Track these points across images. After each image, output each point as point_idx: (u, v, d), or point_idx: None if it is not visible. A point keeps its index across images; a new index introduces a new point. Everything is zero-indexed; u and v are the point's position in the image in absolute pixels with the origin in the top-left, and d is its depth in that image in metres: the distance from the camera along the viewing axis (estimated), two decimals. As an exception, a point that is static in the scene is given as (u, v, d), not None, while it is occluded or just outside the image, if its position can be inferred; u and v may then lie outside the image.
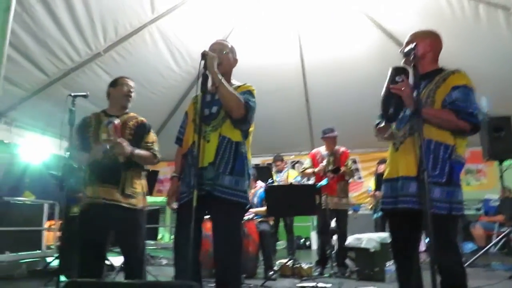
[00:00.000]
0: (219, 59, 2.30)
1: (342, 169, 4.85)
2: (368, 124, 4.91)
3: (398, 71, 2.25)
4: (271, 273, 4.35)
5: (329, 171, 4.84)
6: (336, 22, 5.88)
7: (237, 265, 2.23)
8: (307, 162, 5.30)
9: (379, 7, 5.60)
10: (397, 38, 5.91)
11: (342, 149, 5.19)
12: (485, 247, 5.72)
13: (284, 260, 4.71)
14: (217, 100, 2.31)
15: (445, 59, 2.49)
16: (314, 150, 5.37)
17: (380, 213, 6.51)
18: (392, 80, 2.22)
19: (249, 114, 2.28)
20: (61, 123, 2.94)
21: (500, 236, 5.67)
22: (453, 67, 2.27)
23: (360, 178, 8.02)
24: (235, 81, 2.46)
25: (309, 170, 5.11)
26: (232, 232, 2.23)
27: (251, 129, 2.40)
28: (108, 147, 2.64)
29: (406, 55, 2.13)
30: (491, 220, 6.93)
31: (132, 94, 2.96)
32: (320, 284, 3.74)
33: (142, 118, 2.98)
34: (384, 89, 2.28)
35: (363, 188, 7.79)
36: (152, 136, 2.95)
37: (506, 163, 5.19)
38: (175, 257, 2.27)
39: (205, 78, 2.20)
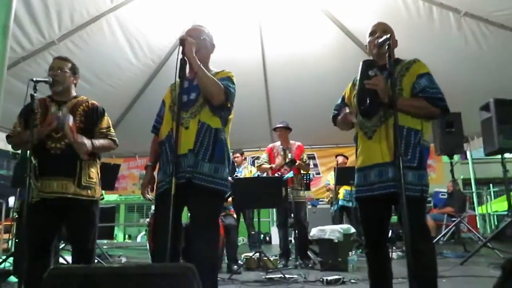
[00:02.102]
0: (197, 45, 2.25)
1: (297, 162, 4.92)
2: (326, 120, 4.99)
3: (369, 65, 2.29)
4: (235, 267, 4.33)
5: (285, 164, 4.89)
6: (297, 19, 5.97)
7: (215, 254, 2.20)
8: (263, 156, 5.32)
9: (339, 5, 5.75)
10: (355, 36, 6.10)
11: (298, 143, 5.27)
12: (436, 237, 6.05)
13: (249, 254, 4.71)
14: (196, 86, 2.25)
15: (400, 57, 2.59)
16: (270, 145, 5.42)
17: (337, 206, 6.70)
18: (365, 74, 2.25)
19: (229, 100, 2.25)
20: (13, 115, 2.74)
21: (450, 227, 6.01)
22: None
23: (318, 173, 8.21)
24: (213, 68, 2.41)
25: (266, 165, 5.14)
26: (211, 221, 2.18)
27: (230, 116, 2.35)
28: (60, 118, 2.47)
29: (381, 45, 2.18)
30: (440, 212, 7.33)
31: (58, 77, 2.63)
32: (287, 275, 3.76)
33: (94, 102, 2.76)
34: (358, 83, 2.32)
35: (322, 183, 7.96)
36: (107, 121, 2.78)
37: (456, 158, 5.51)
38: (153, 246, 2.20)
39: (182, 64, 2.14)
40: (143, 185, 2.35)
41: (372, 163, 2.23)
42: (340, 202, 6.52)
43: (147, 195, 2.36)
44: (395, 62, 2.28)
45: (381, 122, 2.24)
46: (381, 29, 2.31)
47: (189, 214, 2.27)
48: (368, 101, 2.19)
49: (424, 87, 2.19)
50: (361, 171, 2.33)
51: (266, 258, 4.30)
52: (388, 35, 2.07)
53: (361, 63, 2.32)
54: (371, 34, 2.34)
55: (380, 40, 2.17)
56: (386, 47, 2.08)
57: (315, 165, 8.23)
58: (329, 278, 3.46)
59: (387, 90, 2.15)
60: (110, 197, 9.77)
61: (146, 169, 2.40)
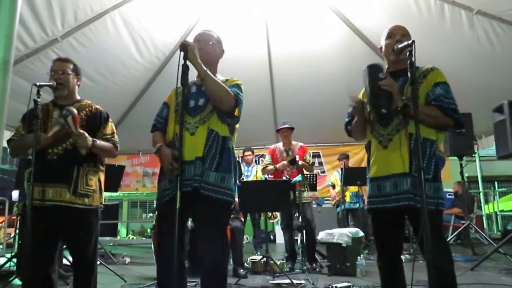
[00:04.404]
0: (205, 49, 2.15)
1: (300, 162, 4.81)
2: (331, 119, 4.92)
3: (377, 68, 2.17)
4: (241, 270, 4.27)
5: (287, 163, 4.80)
6: (304, 16, 5.85)
7: (223, 265, 2.13)
8: (267, 158, 5.23)
9: (347, 2, 5.63)
10: (363, 34, 6.00)
11: (300, 144, 5.15)
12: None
13: (255, 257, 4.65)
14: (204, 91, 2.16)
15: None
16: (272, 146, 5.30)
17: (341, 208, 6.62)
18: (375, 78, 2.13)
19: (238, 107, 2.14)
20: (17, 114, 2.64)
21: (459, 229, 5.92)
22: (417, 64, 2.22)
23: (323, 172, 8.13)
24: (220, 76, 2.30)
25: (270, 167, 5.04)
26: (217, 232, 2.09)
27: (237, 125, 2.26)
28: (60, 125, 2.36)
29: (401, 50, 2.07)
30: (448, 213, 7.22)
31: (61, 80, 2.53)
32: (295, 281, 3.69)
33: (98, 106, 2.66)
34: (368, 88, 2.21)
35: (327, 182, 7.89)
36: (111, 127, 2.67)
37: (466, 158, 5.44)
38: (158, 258, 2.12)
39: (185, 70, 2.03)
40: (165, 161, 2.09)
41: (389, 174, 2.14)
42: (347, 205, 6.43)
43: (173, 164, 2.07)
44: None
45: (396, 130, 2.16)
46: (400, 33, 2.21)
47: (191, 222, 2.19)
48: (385, 106, 2.08)
49: (438, 96, 2.09)
50: (374, 181, 2.23)
51: (272, 262, 4.23)
52: (410, 41, 1.96)
53: (366, 68, 2.19)
54: (390, 36, 2.24)
55: (401, 45, 2.06)
56: (407, 53, 1.96)
57: (320, 164, 8.16)
58: (338, 285, 3.39)
59: (400, 94, 2.07)
60: (113, 194, 9.72)
61: (159, 149, 2.14)
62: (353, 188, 6.51)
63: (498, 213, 9.53)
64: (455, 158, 5.57)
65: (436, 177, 2.10)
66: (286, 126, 5.07)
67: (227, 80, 2.25)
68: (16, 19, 1.22)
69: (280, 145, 5.14)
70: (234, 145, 2.27)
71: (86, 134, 2.39)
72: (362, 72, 2.22)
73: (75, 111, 2.40)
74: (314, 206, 7.43)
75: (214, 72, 2.20)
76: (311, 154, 5.31)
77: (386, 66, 2.33)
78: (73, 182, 2.44)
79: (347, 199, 6.46)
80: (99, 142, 2.50)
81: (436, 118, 2.09)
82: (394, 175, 2.12)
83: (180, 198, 1.83)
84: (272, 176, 5.00)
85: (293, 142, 5.12)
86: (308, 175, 5.05)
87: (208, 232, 2.08)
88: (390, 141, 2.17)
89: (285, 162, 4.83)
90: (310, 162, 5.15)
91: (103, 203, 2.69)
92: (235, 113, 2.15)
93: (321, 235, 4.48)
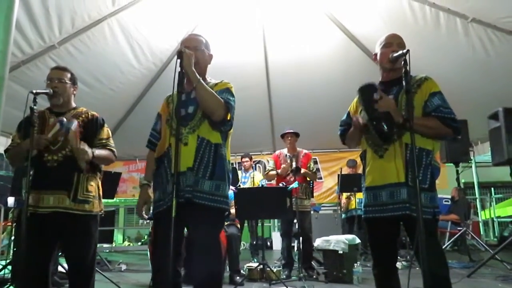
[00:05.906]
0: (194, 57, 2.10)
1: (302, 170, 4.81)
2: (328, 125, 4.95)
3: (371, 89, 2.16)
4: (237, 278, 4.25)
5: (290, 172, 4.78)
6: (300, 23, 5.89)
7: (217, 274, 2.11)
8: (270, 164, 5.21)
9: (343, 9, 5.67)
10: (359, 41, 6.04)
11: (305, 151, 5.14)
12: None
13: (252, 264, 4.63)
14: (193, 99, 2.13)
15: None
16: (277, 152, 5.28)
17: (346, 215, 6.61)
18: (370, 100, 2.12)
19: (229, 114, 2.13)
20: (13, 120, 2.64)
21: (456, 235, 5.92)
22: (413, 72, 2.15)
23: (320, 178, 8.13)
24: (210, 79, 2.28)
25: (273, 172, 5.03)
26: (212, 240, 2.08)
27: (230, 131, 2.23)
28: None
29: (395, 59, 2.09)
30: (444, 219, 7.23)
31: (58, 89, 2.55)
32: (291, 288, 3.69)
33: (94, 112, 2.68)
34: (363, 111, 2.20)
35: (323, 188, 7.89)
36: (106, 132, 2.69)
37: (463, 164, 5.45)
38: (154, 267, 2.11)
39: (181, 78, 2.02)
40: (139, 206, 2.21)
41: (384, 183, 2.15)
42: (354, 212, 6.41)
43: (144, 216, 2.24)
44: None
45: (392, 140, 2.16)
46: (397, 42, 2.22)
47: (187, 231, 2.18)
48: (385, 126, 2.08)
49: (437, 106, 2.10)
50: (370, 190, 2.23)
51: (269, 269, 4.21)
52: (405, 50, 1.97)
53: (360, 89, 2.18)
54: (386, 45, 2.24)
55: (396, 54, 2.07)
56: (402, 62, 1.98)
57: (317, 170, 8.16)
58: (335, 292, 3.38)
59: (399, 110, 2.08)
60: (109, 200, 9.70)
61: (141, 187, 2.25)
62: (360, 195, 6.47)
63: (495, 219, 9.55)
64: (451, 164, 5.59)
65: (432, 186, 2.12)
66: (292, 131, 5.04)
67: (217, 84, 2.22)
68: (11, 35, 1.21)
69: (284, 151, 5.11)
70: (229, 151, 2.25)
71: (87, 148, 2.41)
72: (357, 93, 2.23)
73: (74, 125, 2.40)
74: (311, 212, 7.43)
75: (203, 77, 2.18)
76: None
77: (380, 75, 2.34)
78: (73, 189, 2.44)
79: (353, 205, 6.44)
80: (98, 151, 2.51)
81: (435, 129, 2.10)
82: (390, 184, 2.13)
83: (176, 208, 1.83)
84: (275, 182, 4.97)
85: (298, 149, 5.10)
86: (309, 183, 5.04)
87: (203, 241, 2.05)
88: (386, 151, 2.17)
89: (285, 165, 4.81)
90: (314, 170, 5.10)
91: (103, 209, 2.70)
92: (228, 120, 2.13)
93: (318, 242, 4.48)
